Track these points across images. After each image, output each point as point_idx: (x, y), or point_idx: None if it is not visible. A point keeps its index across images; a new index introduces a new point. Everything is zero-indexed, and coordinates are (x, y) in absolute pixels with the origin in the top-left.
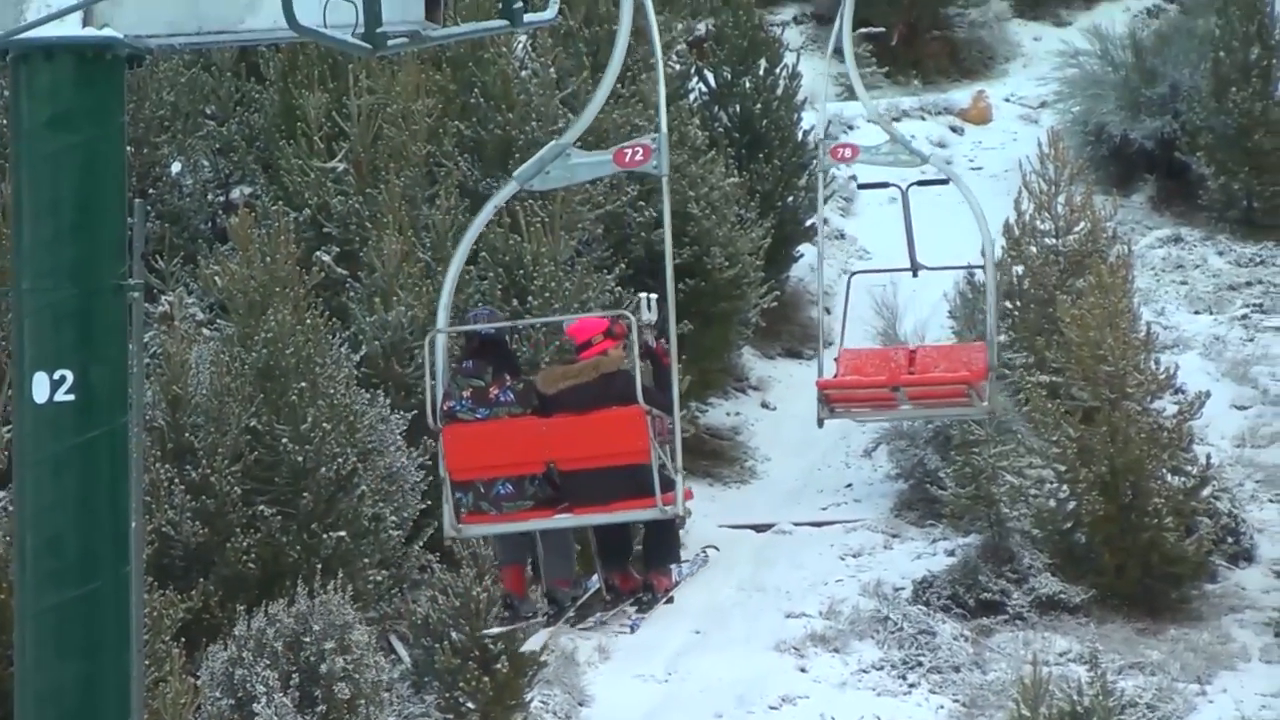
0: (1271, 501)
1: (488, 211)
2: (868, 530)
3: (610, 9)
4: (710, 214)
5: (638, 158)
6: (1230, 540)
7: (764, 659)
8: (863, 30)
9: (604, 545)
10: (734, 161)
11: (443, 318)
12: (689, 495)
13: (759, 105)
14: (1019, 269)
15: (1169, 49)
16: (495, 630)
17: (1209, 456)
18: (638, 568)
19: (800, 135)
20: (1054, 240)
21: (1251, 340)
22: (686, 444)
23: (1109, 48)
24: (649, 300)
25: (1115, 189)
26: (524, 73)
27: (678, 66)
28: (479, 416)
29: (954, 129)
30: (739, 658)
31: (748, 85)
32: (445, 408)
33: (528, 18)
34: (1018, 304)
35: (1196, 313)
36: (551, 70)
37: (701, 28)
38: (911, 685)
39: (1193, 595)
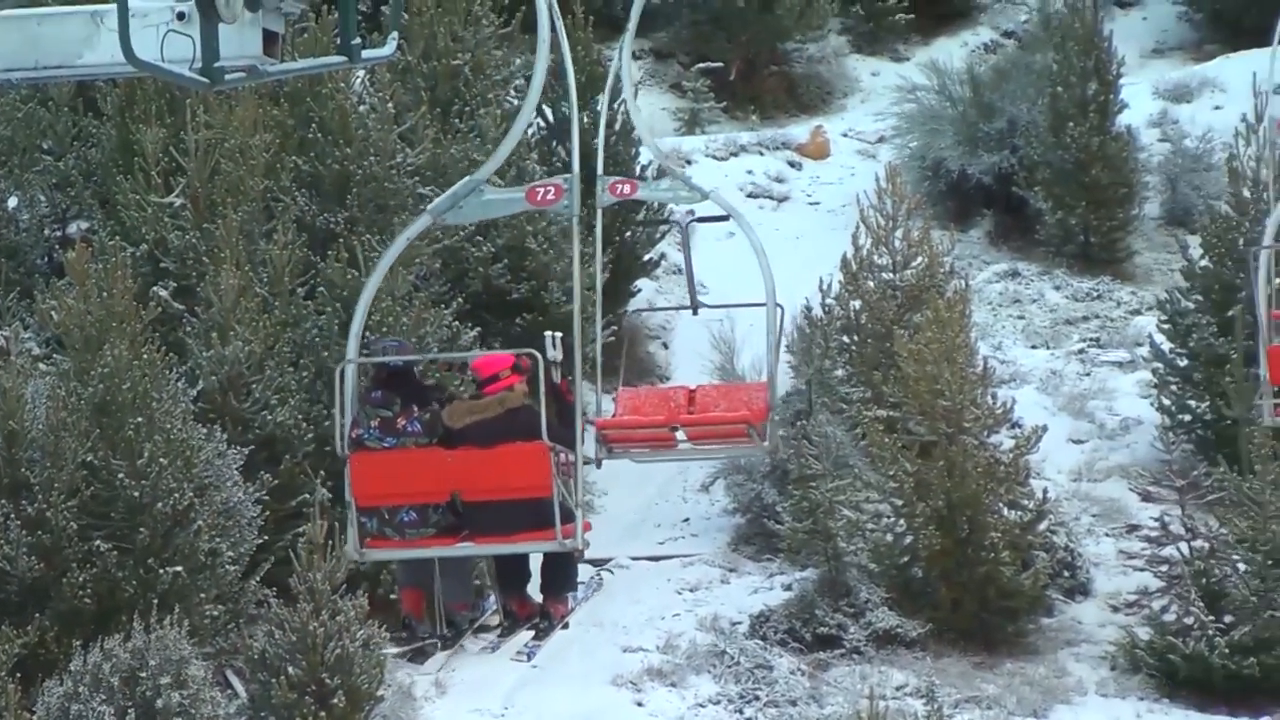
0: (1108, 535)
1: (399, 244)
2: (705, 564)
3: (448, 45)
4: (548, 249)
5: (549, 197)
6: (1067, 574)
7: (601, 693)
8: (700, 66)
9: (503, 572)
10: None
11: (352, 348)
12: (587, 527)
13: (597, 140)
14: (856, 303)
15: (1007, 84)
16: (393, 651)
17: (1046, 490)
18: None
19: (638, 170)
20: (891, 275)
21: (1088, 375)
22: None
23: (947, 83)
24: (554, 338)
25: (953, 223)
26: (362, 107)
27: (516, 102)
28: (386, 445)
29: (792, 164)
30: (576, 692)
31: (586, 120)
32: (353, 436)
33: (366, 53)
34: (855, 338)
35: (1034, 347)
36: (390, 105)
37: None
38: (749, 718)
39: (1029, 629)
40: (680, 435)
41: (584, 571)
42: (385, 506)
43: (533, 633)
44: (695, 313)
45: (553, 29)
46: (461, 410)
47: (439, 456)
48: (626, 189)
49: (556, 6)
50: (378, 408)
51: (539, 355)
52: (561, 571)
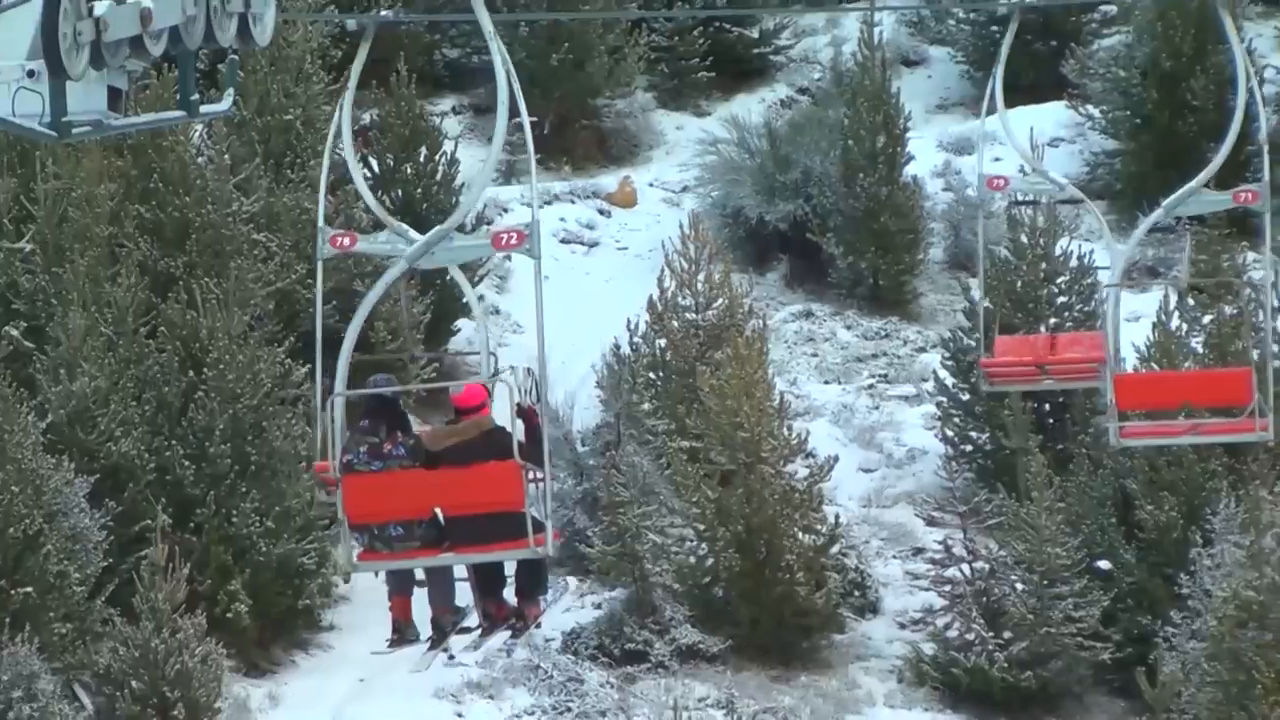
0: (895, 558)
1: (379, 289)
2: None
3: (280, 100)
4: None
5: (512, 242)
6: (857, 594)
7: (424, 705)
8: (517, 120)
9: (481, 579)
10: None
11: (340, 383)
12: (557, 536)
13: (419, 190)
14: (662, 342)
15: (802, 137)
16: (386, 652)
17: (837, 516)
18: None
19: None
20: (694, 315)
21: (877, 408)
22: None
23: (746, 136)
24: (526, 370)
25: (752, 267)
26: (200, 159)
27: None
28: (374, 469)
29: (602, 211)
30: (401, 704)
31: (409, 171)
32: (344, 460)
33: (204, 109)
34: (660, 374)
35: (826, 382)
36: (226, 157)
37: (367, 118)
38: None
39: (822, 645)
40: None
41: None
42: (375, 523)
43: (509, 632)
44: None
45: (510, 93)
46: (442, 434)
47: (422, 477)
48: (346, 241)
49: (514, 72)
50: (366, 435)
51: (511, 385)
52: (534, 576)
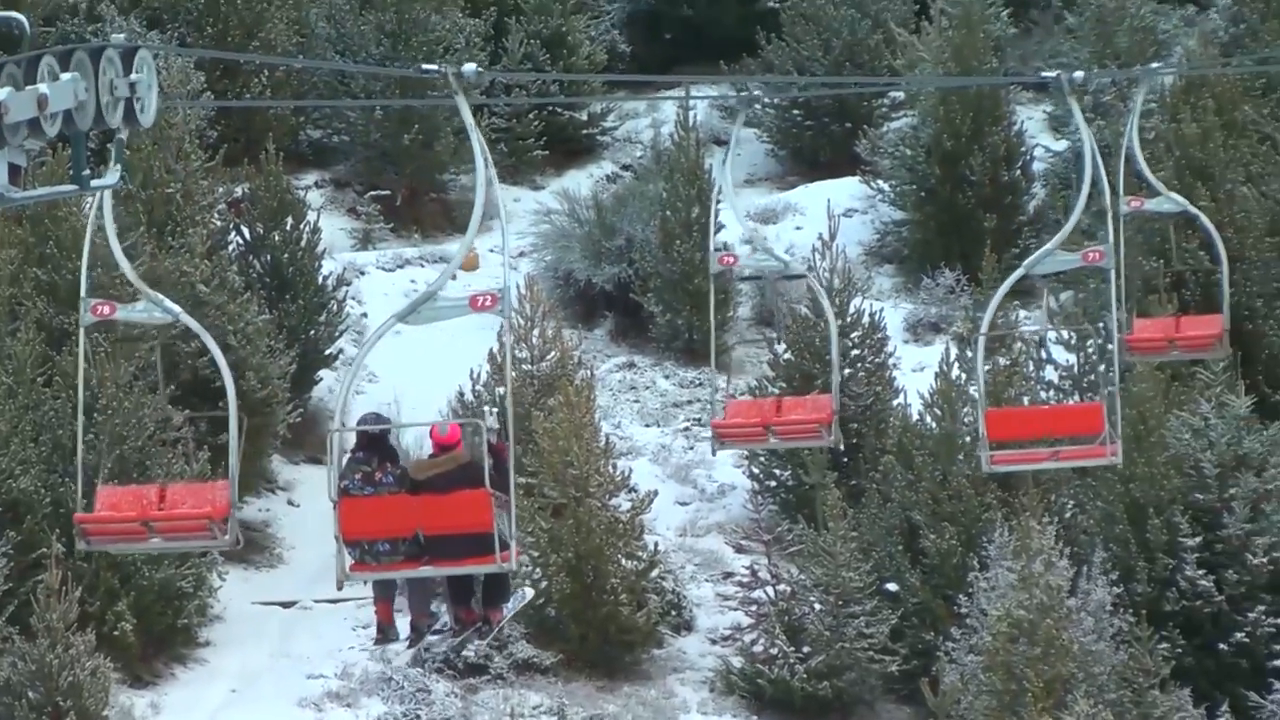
0: (707, 581)
1: (370, 343)
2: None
3: (163, 175)
4: (246, 344)
5: (487, 303)
6: (674, 613)
7: (289, 713)
8: (372, 193)
9: (453, 589)
10: (265, 302)
11: (338, 420)
12: (519, 554)
13: (286, 255)
14: (501, 389)
15: (625, 208)
16: (374, 648)
17: (657, 544)
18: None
19: (320, 279)
20: (530, 366)
21: (692, 448)
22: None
23: (576, 207)
24: (495, 412)
25: (581, 324)
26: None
27: (219, 223)
28: (366, 493)
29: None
30: (268, 712)
31: (277, 238)
32: (341, 486)
33: (94, 182)
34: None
35: (647, 425)
36: (115, 226)
37: (239, 190)
38: None
39: (644, 659)
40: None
41: (272, 613)
42: (365, 540)
43: (477, 634)
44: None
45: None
46: (424, 465)
47: (407, 501)
48: (106, 309)
49: (486, 147)
50: (360, 464)
51: (482, 424)
52: (498, 587)
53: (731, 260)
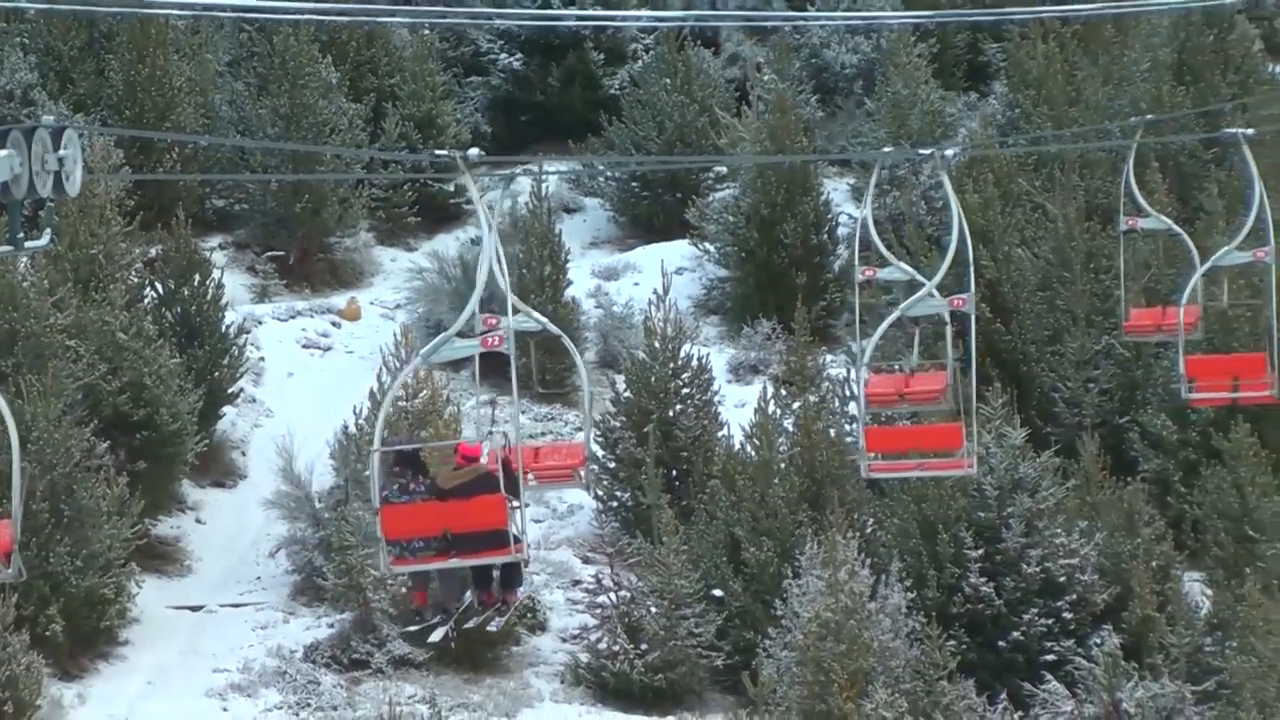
0: (559, 588)
1: (399, 380)
2: (272, 609)
3: (88, 237)
4: (159, 384)
5: (495, 341)
6: (530, 615)
7: (197, 702)
8: (269, 254)
9: (476, 576)
10: (176, 347)
11: (377, 441)
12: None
13: (194, 307)
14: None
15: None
16: (412, 629)
17: None
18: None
19: (224, 328)
20: (405, 402)
21: None
22: (143, 550)
23: (444, 266)
24: (504, 434)
25: (449, 366)
26: (25, 283)
27: (136, 279)
28: (404, 501)
29: (334, 324)
30: (179, 702)
31: (186, 293)
32: (383, 496)
33: (28, 244)
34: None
35: None
36: (45, 281)
37: (153, 251)
38: (303, 719)
39: (504, 655)
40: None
41: (183, 615)
42: (403, 539)
43: (497, 614)
44: None
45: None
46: (450, 476)
47: (437, 506)
48: None
49: (489, 214)
50: (397, 477)
51: (497, 443)
52: (514, 574)
53: (494, 322)
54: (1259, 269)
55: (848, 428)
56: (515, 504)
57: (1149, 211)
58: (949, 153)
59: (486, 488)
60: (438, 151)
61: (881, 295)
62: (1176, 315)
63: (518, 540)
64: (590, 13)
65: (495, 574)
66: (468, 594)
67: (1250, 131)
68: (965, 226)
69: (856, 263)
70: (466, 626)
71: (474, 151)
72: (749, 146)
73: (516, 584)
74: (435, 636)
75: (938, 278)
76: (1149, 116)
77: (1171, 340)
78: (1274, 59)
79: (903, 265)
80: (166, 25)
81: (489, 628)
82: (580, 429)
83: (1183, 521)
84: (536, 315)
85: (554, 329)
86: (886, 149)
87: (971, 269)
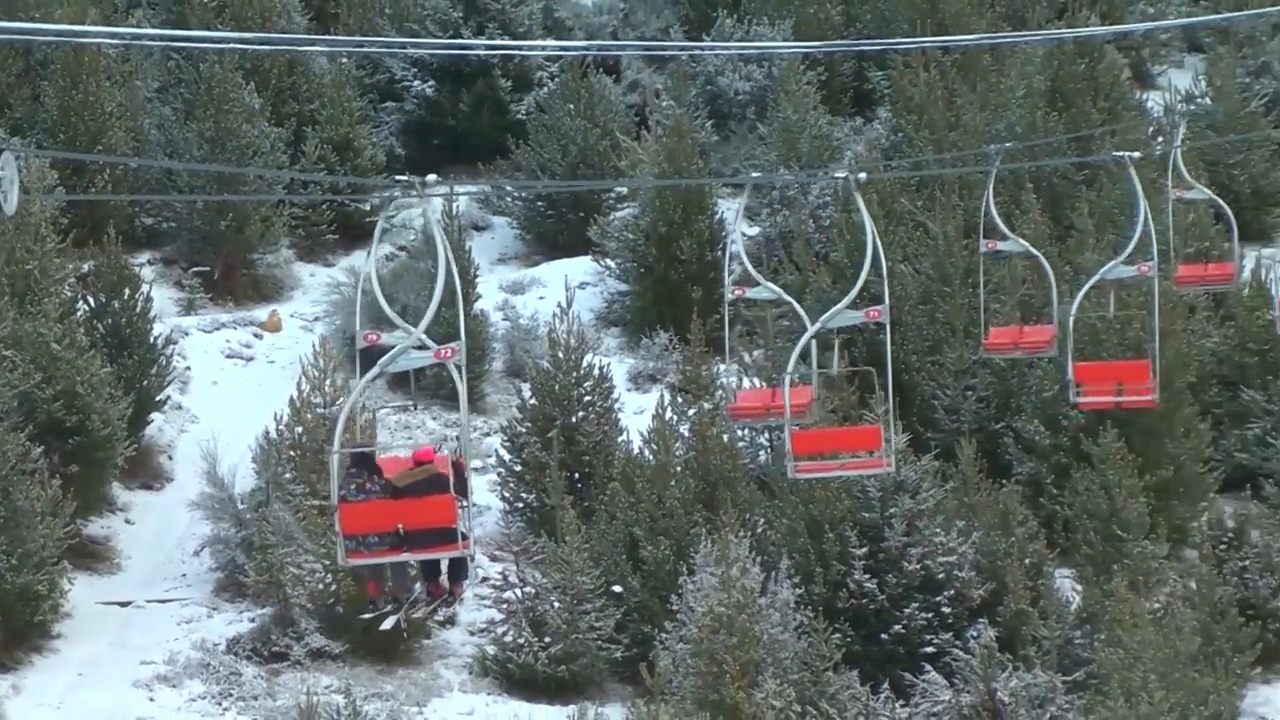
0: (467, 585)
1: (360, 388)
2: (196, 605)
3: (23, 254)
4: (91, 392)
5: (448, 354)
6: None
7: (126, 692)
8: (195, 269)
9: (425, 569)
10: (107, 357)
11: (337, 443)
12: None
13: (124, 319)
14: (299, 428)
15: (401, 280)
16: (366, 617)
17: None
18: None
19: (152, 340)
20: (324, 410)
21: None
22: (75, 548)
23: (362, 281)
24: (455, 438)
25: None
26: None
27: (69, 293)
28: (360, 499)
29: (257, 335)
30: (108, 691)
31: (117, 306)
32: (341, 495)
33: None
34: (297, 452)
35: None
36: None
37: (85, 267)
38: (225, 709)
39: (415, 648)
40: None
41: (112, 611)
42: (359, 534)
43: (444, 604)
44: None
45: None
46: (404, 476)
47: (391, 505)
48: None
49: (446, 239)
50: (354, 477)
51: (449, 449)
52: (460, 568)
53: (375, 338)
54: (1139, 281)
55: (740, 433)
56: (463, 503)
57: (1008, 234)
58: (861, 175)
59: (437, 487)
60: (398, 177)
61: (771, 309)
62: (1034, 334)
63: (465, 536)
64: (498, 42)
65: (443, 567)
66: (417, 585)
67: (1136, 155)
68: (879, 243)
69: (728, 282)
70: (415, 616)
71: (431, 177)
72: (648, 169)
73: (463, 576)
74: (387, 624)
75: (854, 291)
76: (1022, 144)
77: (1029, 358)
78: (1141, 87)
79: (770, 285)
80: (99, 53)
81: (436, 617)
82: (489, 434)
83: (1054, 521)
84: (424, 337)
85: (430, 345)
86: (783, 172)
87: (885, 281)
